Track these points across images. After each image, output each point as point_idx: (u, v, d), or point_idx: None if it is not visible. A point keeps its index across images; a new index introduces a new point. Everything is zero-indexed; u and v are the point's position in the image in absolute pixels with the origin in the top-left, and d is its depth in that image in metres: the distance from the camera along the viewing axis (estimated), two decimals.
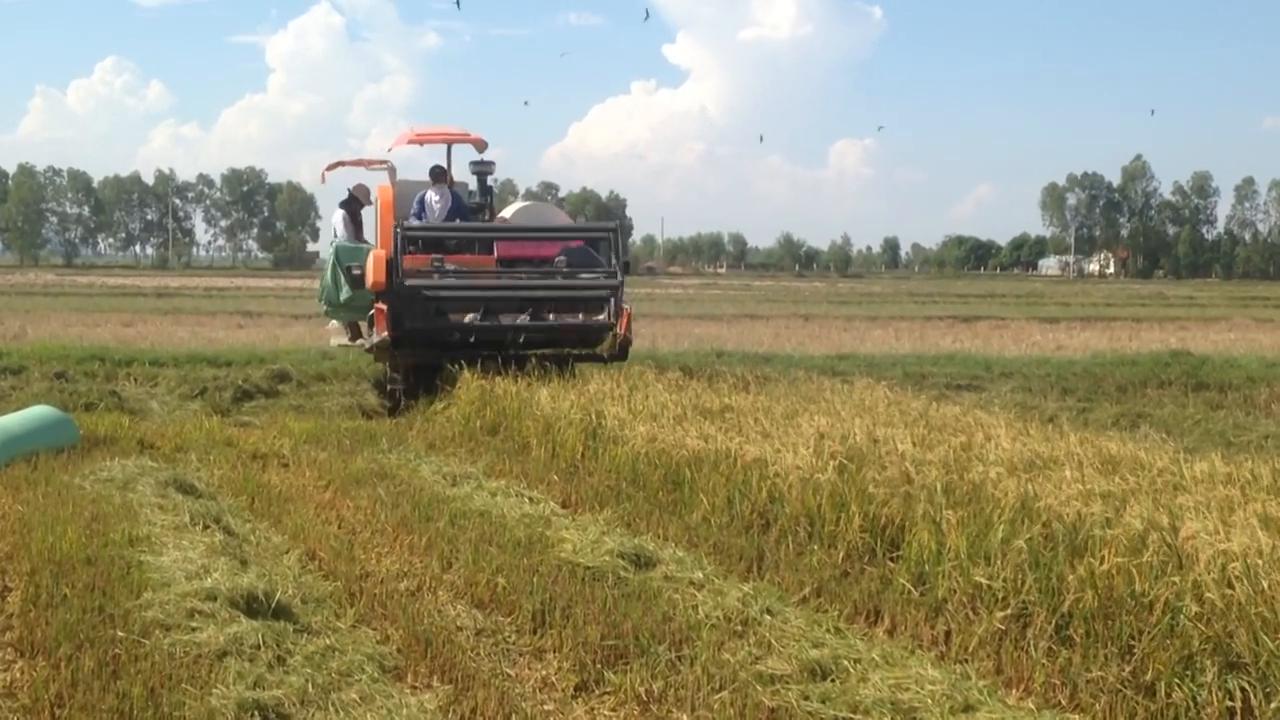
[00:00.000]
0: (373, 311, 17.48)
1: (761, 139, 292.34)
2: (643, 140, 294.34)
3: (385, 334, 16.81)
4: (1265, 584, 6.03)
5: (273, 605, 7.27)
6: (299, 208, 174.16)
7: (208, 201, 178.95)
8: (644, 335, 28.38)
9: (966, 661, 6.70)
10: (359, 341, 20.02)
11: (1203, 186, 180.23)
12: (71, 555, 8.49)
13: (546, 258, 18.55)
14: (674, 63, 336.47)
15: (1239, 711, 5.74)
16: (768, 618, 7.27)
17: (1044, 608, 6.79)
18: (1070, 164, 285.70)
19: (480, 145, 19.89)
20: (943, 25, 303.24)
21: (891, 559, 8.22)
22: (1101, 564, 6.69)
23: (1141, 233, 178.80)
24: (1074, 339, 33.09)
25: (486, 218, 19.58)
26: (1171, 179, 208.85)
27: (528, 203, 22.30)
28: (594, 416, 12.75)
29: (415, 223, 18.48)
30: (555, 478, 11.83)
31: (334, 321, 21.24)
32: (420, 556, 9.00)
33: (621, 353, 17.04)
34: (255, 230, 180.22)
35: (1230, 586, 6.12)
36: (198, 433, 14.93)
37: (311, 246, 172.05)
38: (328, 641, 6.89)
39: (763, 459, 9.88)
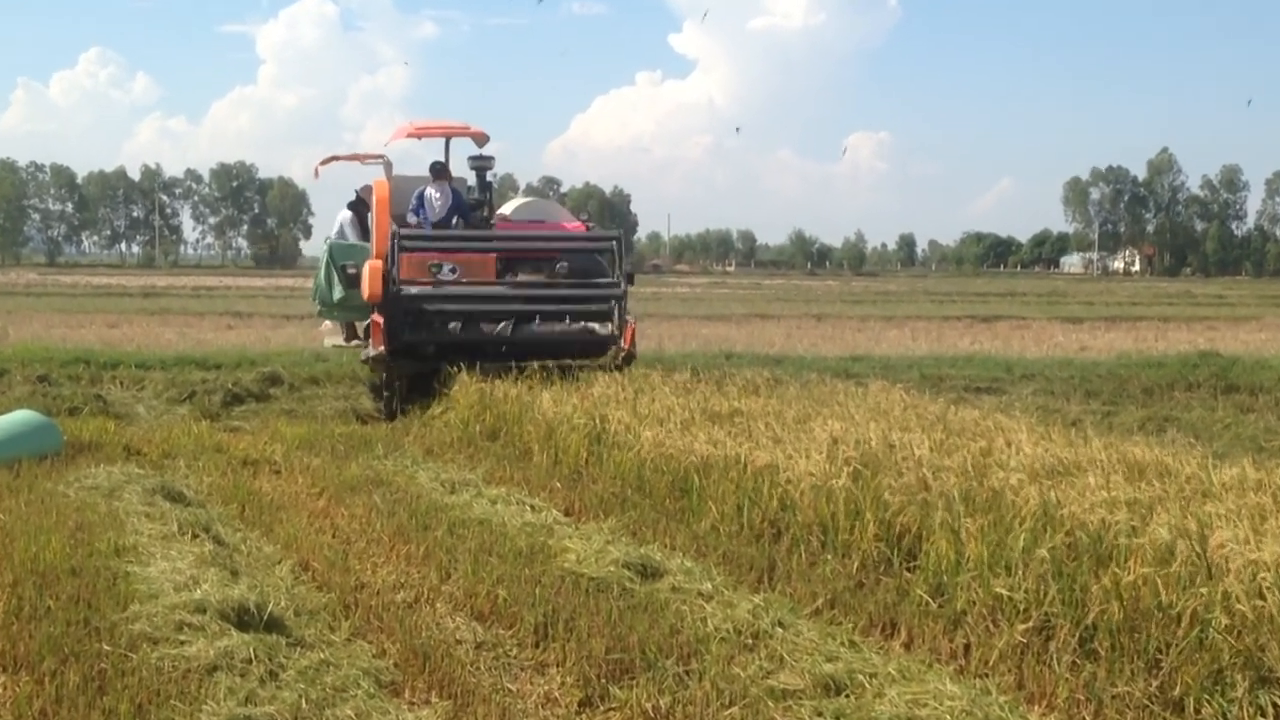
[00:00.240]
0: (368, 322, 17.50)
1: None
2: (648, 133, 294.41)
3: (382, 348, 16.86)
4: None
5: (264, 618, 7.27)
6: (291, 204, 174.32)
7: (196, 198, 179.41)
8: (650, 336, 28.39)
9: (987, 676, 6.69)
10: (354, 342, 20.05)
11: (1232, 180, 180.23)
12: (55, 566, 8.49)
13: (548, 256, 18.59)
14: (680, 53, 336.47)
15: None
16: (779, 630, 7.27)
17: (1067, 620, 6.79)
18: (1094, 157, 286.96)
19: (481, 139, 19.91)
20: (960, 12, 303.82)
21: (908, 569, 8.22)
22: (1127, 574, 6.69)
23: (1168, 229, 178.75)
24: (1098, 340, 33.09)
25: (486, 214, 19.58)
26: (1199, 172, 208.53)
27: (528, 199, 22.32)
28: (598, 421, 12.75)
29: (413, 219, 18.50)
30: (558, 485, 11.83)
31: (328, 322, 21.27)
32: (418, 567, 9.01)
33: (625, 366, 17.09)
34: (245, 228, 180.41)
35: (1261, 598, 6.11)
36: (186, 438, 14.94)
37: (304, 245, 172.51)
38: (322, 655, 6.89)
39: (774, 465, 9.88)
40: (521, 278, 18.13)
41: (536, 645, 7.35)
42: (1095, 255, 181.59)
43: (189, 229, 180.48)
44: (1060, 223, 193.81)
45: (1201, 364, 23.82)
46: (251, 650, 6.72)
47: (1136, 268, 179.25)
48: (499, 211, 19.93)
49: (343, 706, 6.23)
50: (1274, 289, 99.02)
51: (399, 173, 19.80)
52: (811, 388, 14.93)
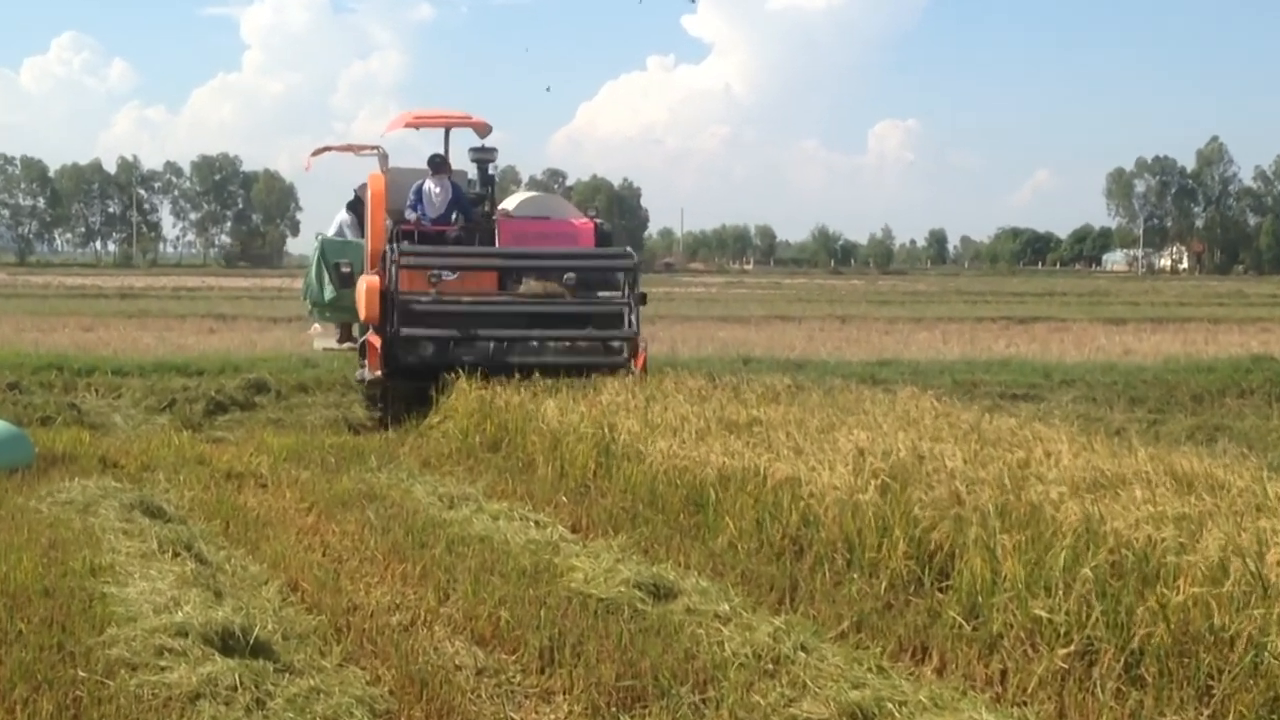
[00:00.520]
0: (363, 339, 17.51)
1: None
2: (660, 122, 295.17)
3: (378, 372, 16.88)
4: None
5: (250, 642, 7.27)
6: (277, 199, 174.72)
7: (176, 192, 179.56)
8: (663, 339, 28.43)
9: (1025, 704, 6.68)
10: (346, 345, 20.10)
11: None
12: (27, 587, 8.51)
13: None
14: (695, 35, 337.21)
15: None
16: (802, 655, 7.26)
17: (1112, 644, 6.78)
18: (1139, 147, 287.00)
19: (483, 130, 19.96)
20: None
21: (940, 589, 8.21)
22: (1176, 595, 6.68)
23: (1218, 223, 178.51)
24: (1143, 343, 33.05)
25: (487, 209, 19.64)
26: (1252, 163, 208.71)
27: (532, 193, 22.37)
28: (607, 431, 12.76)
29: (411, 215, 18.56)
30: (564, 499, 11.85)
31: (318, 324, 21.32)
32: (414, 587, 9.01)
33: None
34: (229, 224, 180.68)
35: None
36: (166, 450, 14.97)
37: (291, 242, 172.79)
38: (312, 682, 6.89)
39: (795, 478, 9.88)
40: (527, 282, 18.12)
41: (542, 671, 7.34)
42: (1140, 252, 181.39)
43: (169, 226, 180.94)
44: (1102, 217, 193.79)
45: (1255, 369, 23.81)
46: (237, 677, 6.72)
47: (1184, 265, 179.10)
48: (500, 206, 19.98)
49: None
50: None
51: (395, 164, 19.85)
52: (835, 394, 14.93)
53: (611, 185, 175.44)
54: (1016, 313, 48.98)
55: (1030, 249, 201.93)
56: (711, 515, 10.35)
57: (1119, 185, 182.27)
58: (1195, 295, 77.37)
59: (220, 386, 19.95)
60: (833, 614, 8.08)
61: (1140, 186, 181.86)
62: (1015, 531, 7.94)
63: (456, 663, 7.48)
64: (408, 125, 20.39)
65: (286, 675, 6.97)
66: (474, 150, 19.89)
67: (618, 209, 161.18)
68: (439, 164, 19.05)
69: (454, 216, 18.84)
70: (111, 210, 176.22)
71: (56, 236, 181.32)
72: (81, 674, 6.87)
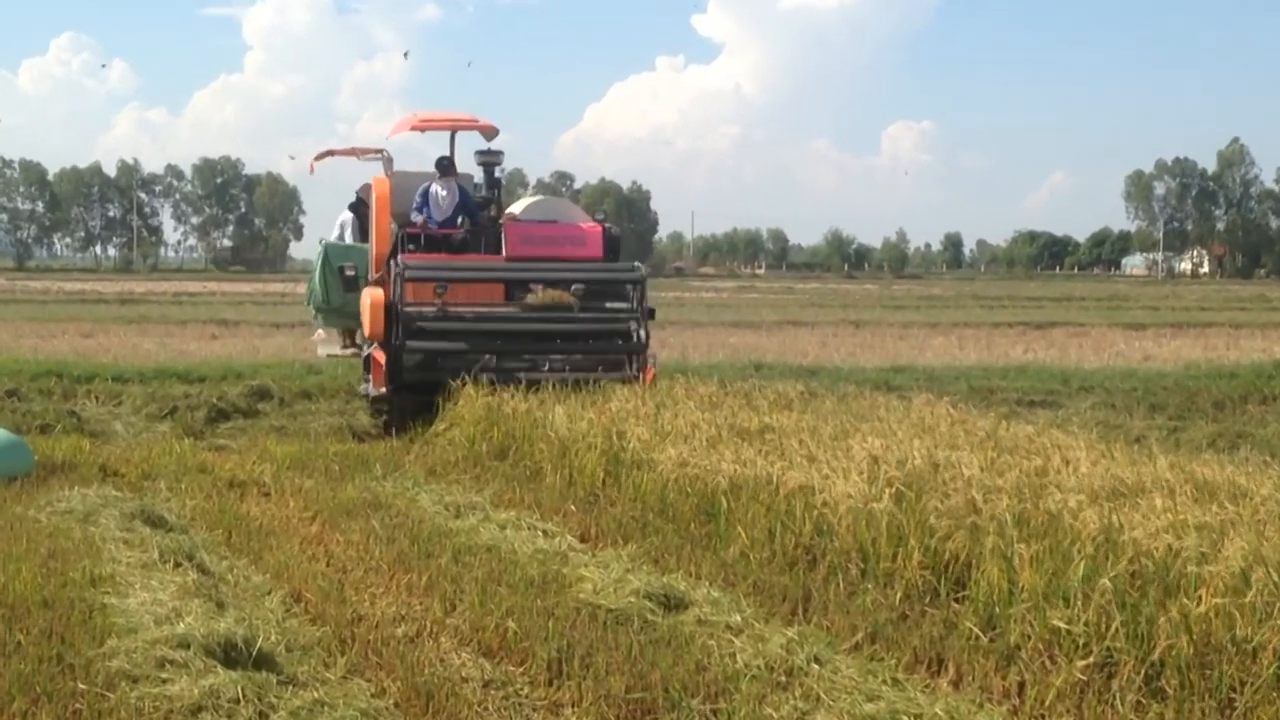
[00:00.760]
0: (368, 352, 17.49)
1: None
2: (669, 124, 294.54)
3: (383, 389, 16.87)
4: None
5: (253, 654, 7.28)
6: (280, 202, 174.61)
7: (177, 195, 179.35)
8: (673, 346, 28.45)
9: (1043, 717, 6.69)
10: (350, 350, 20.13)
11: None
12: (26, 597, 8.53)
13: (561, 258, 18.64)
14: (704, 35, 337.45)
15: None
16: (815, 667, 7.26)
17: (1131, 655, 6.78)
18: (1158, 148, 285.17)
19: (490, 132, 19.98)
20: None
21: (956, 600, 8.22)
22: (1197, 605, 6.68)
23: (1240, 226, 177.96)
24: (1163, 348, 33.03)
25: (494, 213, 19.66)
26: (1274, 164, 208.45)
27: (539, 196, 22.41)
28: (616, 438, 12.78)
29: (417, 218, 18.56)
30: (572, 508, 11.86)
31: (321, 330, 21.35)
32: (420, 598, 9.02)
33: None
34: (231, 228, 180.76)
35: None
36: (167, 458, 15.01)
37: (294, 246, 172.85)
38: (316, 695, 6.89)
39: (808, 486, 9.89)
40: (534, 291, 18.12)
41: (550, 683, 7.35)
42: (1160, 256, 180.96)
43: (170, 230, 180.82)
44: (1121, 220, 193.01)
45: (1278, 375, 23.75)
46: (239, 689, 6.73)
47: (1205, 269, 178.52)
48: (508, 211, 20.00)
49: None
50: None
51: (400, 168, 19.88)
52: (849, 401, 14.95)
53: (620, 188, 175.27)
54: (1034, 318, 48.93)
55: (1048, 253, 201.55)
56: (723, 524, 10.36)
57: (1138, 187, 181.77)
58: (1216, 299, 77.20)
59: (222, 393, 19.97)
60: (847, 625, 8.08)
61: (1160, 189, 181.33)
62: (1033, 541, 7.94)
63: (463, 674, 7.49)
64: (413, 128, 20.41)
65: (290, 687, 6.98)
66: (480, 153, 19.93)
67: (626, 212, 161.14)
68: (446, 166, 19.06)
69: (460, 220, 18.86)
70: (111, 214, 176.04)
71: (55, 241, 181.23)
72: (81, 686, 6.88)
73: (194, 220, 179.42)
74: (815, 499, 9.67)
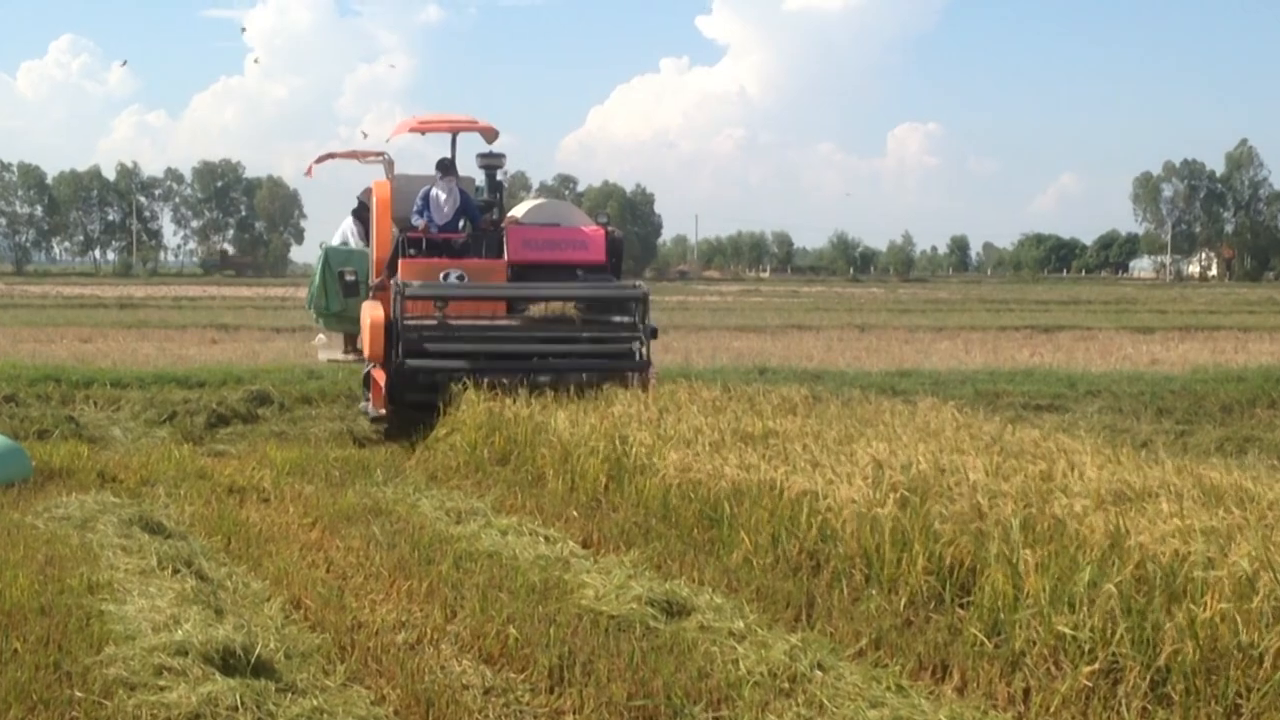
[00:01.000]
0: (367, 370, 17.44)
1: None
2: (673, 126, 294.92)
3: (382, 410, 16.82)
4: None
5: (252, 661, 7.30)
6: (281, 205, 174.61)
7: (177, 199, 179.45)
8: (677, 350, 28.46)
9: None
10: (351, 356, 20.12)
11: None
12: (23, 604, 8.54)
13: (563, 261, 18.65)
14: (709, 37, 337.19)
15: None
16: (819, 673, 7.27)
17: (1137, 661, 6.77)
18: (1166, 150, 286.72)
19: (490, 134, 19.98)
20: None
21: (961, 605, 8.20)
22: (1203, 610, 6.68)
23: (1248, 229, 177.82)
24: (1171, 351, 33.00)
25: (496, 216, 19.67)
26: None
27: (541, 200, 22.39)
28: (618, 443, 12.77)
29: (418, 221, 18.55)
30: (574, 514, 11.86)
31: (322, 334, 21.36)
32: (420, 604, 9.03)
33: None
34: (231, 231, 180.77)
35: None
36: (166, 463, 15.02)
37: (296, 250, 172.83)
38: (315, 702, 6.91)
39: (812, 491, 9.88)
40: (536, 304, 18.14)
41: (551, 690, 7.36)
42: (1168, 258, 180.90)
43: (169, 234, 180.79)
44: (1129, 223, 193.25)
45: None
46: (238, 697, 6.74)
47: (1214, 272, 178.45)
48: (510, 214, 20.02)
49: None
50: None
51: (401, 171, 19.89)
52: (854, 406, 14.93)
53: (624, 191, 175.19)
54: (1041, 321, 48.94)
55: (1055, 256, 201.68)
56: (726, 530, 10.35)
57: (1146, 190, 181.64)
58: (1225, 303, 77.20)
59: (222, 398, 19.99)
60: (850, 631, 8.08)
61: (1168, 191, 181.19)
62: (1038, 546, 7.93)
63: (464, 682, 7.50)
64: (412, 130, 20.41)
65: (289, 695, 6.99)
66: (481, 156, 19.92)
67: (630, 215, 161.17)
68: (446, 168, 19.05)
69: (461, 223, 18.86)
70: (111, 218, 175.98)
71: (54, 245, 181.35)
72: (78, 694, 6.90)
73: (194, 224, 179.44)
74: (819, 504, 9.65)
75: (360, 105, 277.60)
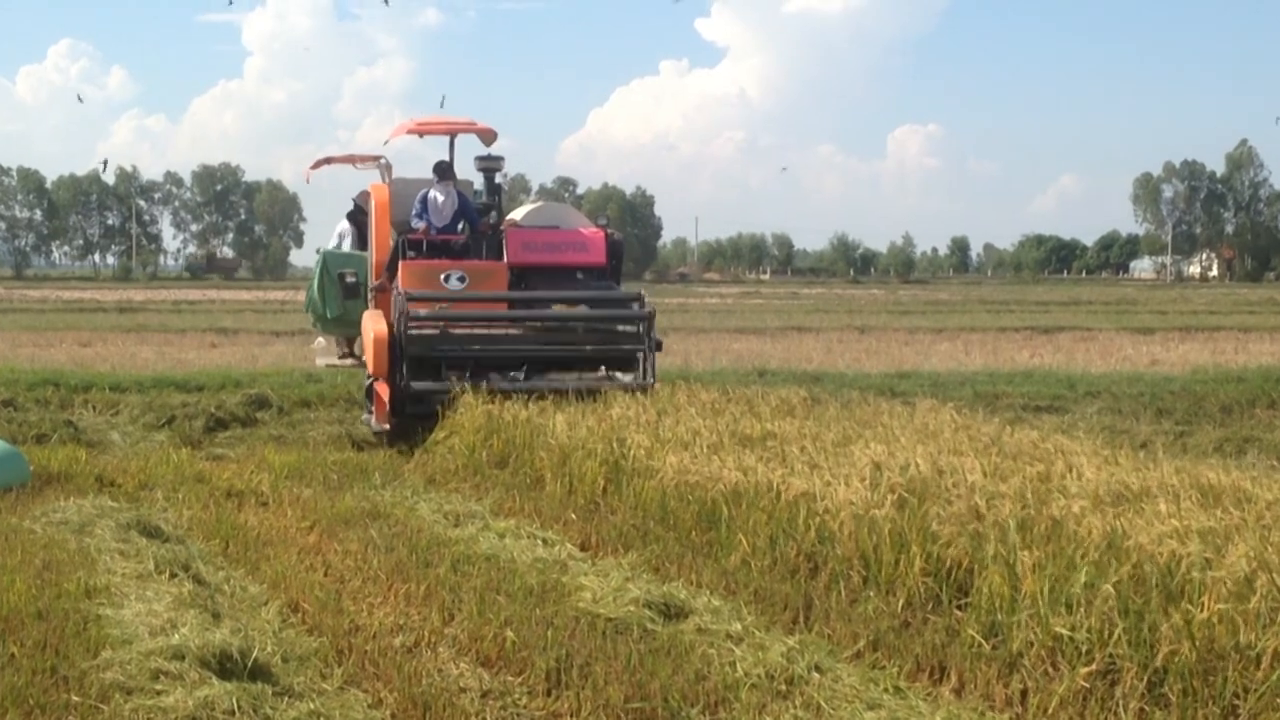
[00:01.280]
0: (370, 382, 17.39)
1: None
2: (673, 128, 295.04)
3: (386, 426, 16.76)
4: None
5: (249, 665, 7.30)
6: (281, 209, 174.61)
7: (176, 203, 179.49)
8: (676, 352, 28.42)
9: None
10: (349, 361, 20.11)
11: None
12: (20, 609, 8.54)
13: (564, 264, 18.66)
14: (708, 39, 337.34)
15: None
16: (816, 675, 7.27)
17: (1134, 662, 6.77)
18: (1167, 151, 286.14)
19: (489, 136, 19.95)
20: None
21: (959, 607, 8.20)
22: (1201, 611, 6.68)
23: (1249, 229, 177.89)
24: (1171, 352, 33.00)
25: (494, 219, 19.65)
26: None
27: (540, 202, 22.38)
28: (616, 446, 12.77)
29: (418, 224, 18.53)
30: (573, 516, 11.87)
31: (321, 339, 21.34)
32: (418, 608, 9.03)
33: None
34: (231, 235, 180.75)
35: None
36: (164, 467, 15.02)
37: (295, 254, 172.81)
38: (312, 706, 6.91)
39: (810, 493, 9.89)
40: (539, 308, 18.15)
41: (548, 693, 7.36)
42: (1168, 259, 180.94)
43: (169, 238, 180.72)
44: (1129, 224, 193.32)
45: None
46: (234, 700, 6.74)
47: (1214, 272, 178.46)
48: (508, 217, 20.00)
49: None
50: None
51: (399, 175, 19.89)
52: (853, 408, 14.93)
53: (624, 193, 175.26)
54: (1041, 322, 48.90)
55: (1055, 257, 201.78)
56: (724, 532, 10.35)
57: (1146, 191, 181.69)
58: (1225, 303, 77.17)
59: (221, 402, 19.99)
60: (848, 633, 8.09)
61: (1168, 192, 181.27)
62: (1036, 547, 7.94)
63: (461, 685, 7.49)
64: (410, 132, 20.39)
65: (286, 698, 7.00)
66: (480, 159, 19.89)
67: (630, 218, 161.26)
68: (444, 171, 19.03)
69: (460, 226, 18.85)
70: (110, 222, 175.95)
71: (54, 249, 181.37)
72: (75, 698, 6.90)
73: (193, 228, 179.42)
74: (817, 506, 9.66)
75: (360, 109, 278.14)
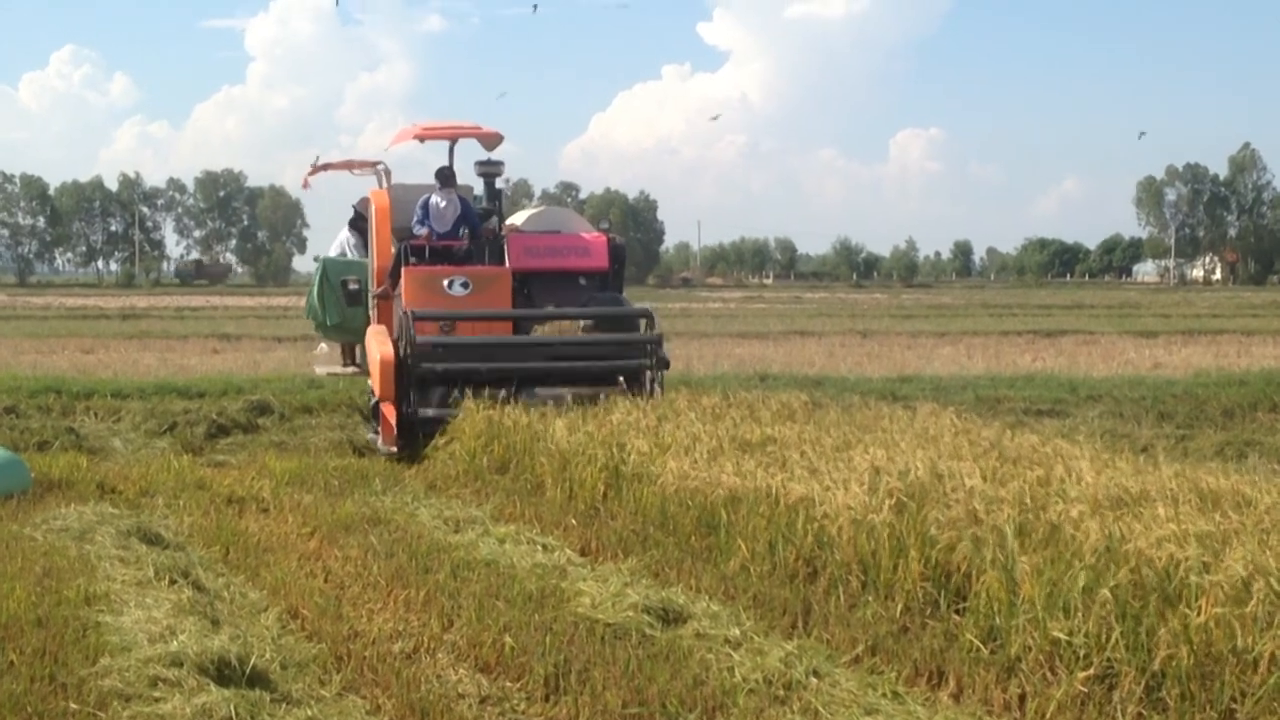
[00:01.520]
0: (374, 400, 17.34)
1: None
2: (676, 133, 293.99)
3: (392, 448, 16.68)
4: None
5: (247, 671, 7.31)
6: (284, 215, 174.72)
7: (179, 209, 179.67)
8: (678, 357, 28.35)
9: None
10: (351, 369, 20.12)
11: None
12: (19, 616, 8.56)
13: (566, 269, 18.68)
14: (711, 44, 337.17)
15: None
16: (814, 680, 7.27)
17: (1132, 666, 6.78)
18: (1169, 154, 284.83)
19: (493, 140, 19.90)
20: None
21: (957, 611, 8.21)
22: (1198, 615, 6.68)
23: (1252, 232, 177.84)
24: (1174, 355, 32.98)
25: (495, 224, 19.65)
26: None
27: (542, 207, 22.37)
28: (616, 451, 12.78)
29: (420, 230, 18.52)
30: (573, 521, 11.87)
31: (323, 345, 21.36)
32: (417, 614, 9.04)
33: None
34: (234, 241, 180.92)
35: None
36: (165, 474, 15.04)
37: (298, 260, 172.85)
38: (310, 712, 6.92)
39: (809, 498, 9.89)
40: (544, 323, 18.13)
41: (546, 699, 7.36)
42: (1172, 262, 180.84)
43: (172, 244, 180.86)
44: (1132, 227, 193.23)
45: None
46: (232, 707, 6.75)
47: (1218, 276, 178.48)
48: (509, 222, 20.00)
49: None
50: None
51: (399, 180, 19.88)
52: (854, 412, 14.91)
53: (626, 198, 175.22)
54: (1043, 326, 48.88)
55: (1058, 260, 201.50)
56: (724, 537, 10.36)
57: (1149, 194, 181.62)
58: (1228, 306, 77.11)
59: (222, 409, 19.98)
60: (847, 638, 8.09)
61: (1171, 195, 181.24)
62: (1034, 551, 7.93)
63: (459, 691, 7.50)
64: (415, 137, 20.38)
65: (284, 705, 7.01)
66: (480, 164, 19.88)
67: (633, 222, 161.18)
68: (446, 176, 19.03)
69: (461, 232, 18.84)
70: (113, 229, 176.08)
71: (57, 256, 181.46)
72: (73, 706, 6.92)
73: (196, 234, 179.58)
74: (816, 511, 9.66)
75: (362, 114, 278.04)
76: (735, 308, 74.62)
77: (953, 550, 8.51)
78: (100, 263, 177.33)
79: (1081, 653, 7.02)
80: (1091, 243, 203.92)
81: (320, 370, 21.25)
